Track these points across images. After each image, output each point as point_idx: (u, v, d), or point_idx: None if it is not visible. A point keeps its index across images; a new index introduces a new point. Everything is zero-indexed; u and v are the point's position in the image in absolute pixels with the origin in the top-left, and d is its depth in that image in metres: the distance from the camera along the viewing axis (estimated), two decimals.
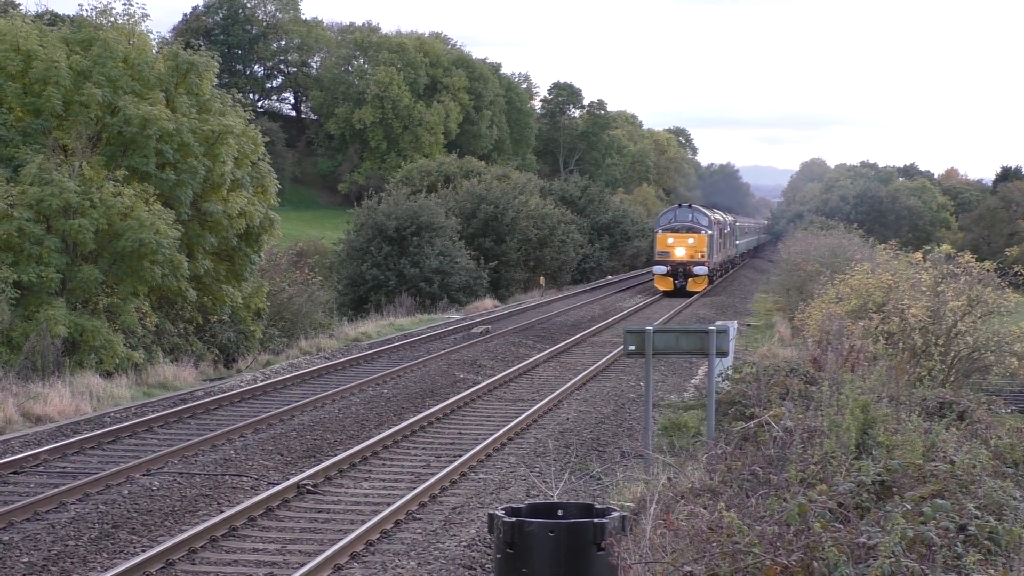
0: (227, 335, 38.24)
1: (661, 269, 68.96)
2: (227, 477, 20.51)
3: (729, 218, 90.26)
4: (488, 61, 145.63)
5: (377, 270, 57.94)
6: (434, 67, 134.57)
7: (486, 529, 14.69)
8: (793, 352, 33.65)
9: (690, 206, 73.31)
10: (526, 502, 13.16)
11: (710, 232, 70.41)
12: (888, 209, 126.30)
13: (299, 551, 16.20)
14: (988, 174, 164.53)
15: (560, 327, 48.61)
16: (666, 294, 67.95)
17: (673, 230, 69.59)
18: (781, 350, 35.97)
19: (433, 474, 20.70)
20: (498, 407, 28.47)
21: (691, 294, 67.50)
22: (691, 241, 69.03)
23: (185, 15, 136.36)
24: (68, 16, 49.84)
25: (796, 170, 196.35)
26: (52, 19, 46.71)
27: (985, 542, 11.46)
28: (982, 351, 28.26)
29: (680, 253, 68.90)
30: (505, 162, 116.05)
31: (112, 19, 36.88)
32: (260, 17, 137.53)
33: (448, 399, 28.70)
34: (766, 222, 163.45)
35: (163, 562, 15.35)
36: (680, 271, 68.53)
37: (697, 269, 68.73)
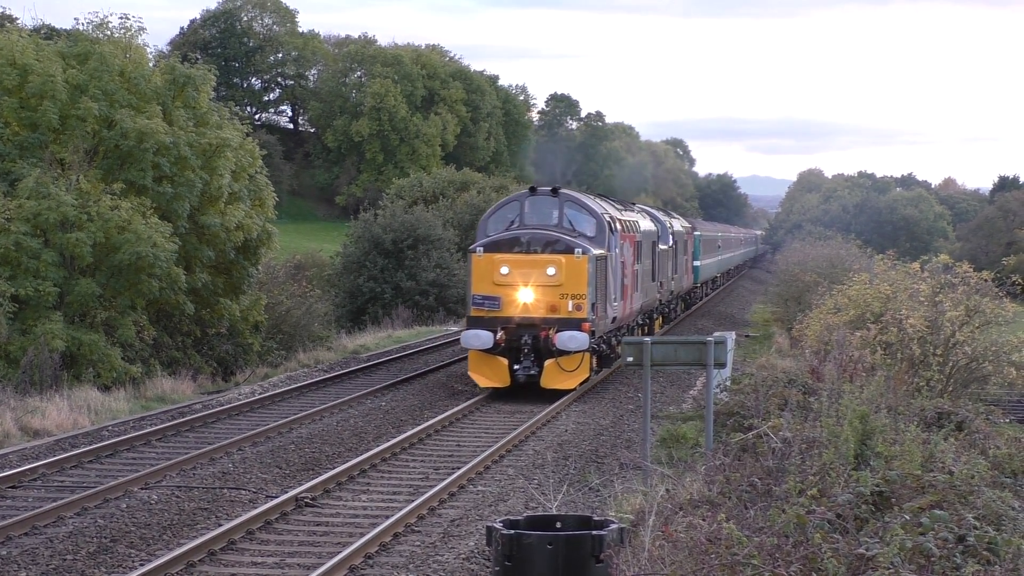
0: (225, 348, 38.23)
1: (480, 337, 30.73)
2: (225, 490, 20.49)
3: (676, 225, 54.73)
4: (486, 73, 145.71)
5: (374, 283, 57.92)
6: (431, 79, 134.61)
7: (485, 542, 14.67)
8: (791, 363, 33.65)
9: (555, 191, 33.42)
10: (524, 514, 13.16)
11: (600, 252, 32.32)
12: (886, 219, 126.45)
13: (298, 564, 16.19)
14: (985, 184, 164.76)
15: None
16: (494, 394, 31.63)
17: (511, 245, 31.49)
18: (779, 361, 35.96)
19: (432, 486, 20.68)
20: (496, 419, 28.44)
21: (554, 394, 31.00)
22: (551, 272, 30.96)
23: (182, 28, 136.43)
24: (64, 30, 49.85)
25: (794, 181, 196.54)
26: (48, 33, 46.74)
27: (984, 552, 11.46)
28: (980, 361, 28.26)
29: (525, 299, 31.04)
30: (503, 174, 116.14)
31: (108, 33, 36.93)
32: (257, 30, 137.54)
33: (446, 411, 28.67)
34: (760, 232, 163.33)
35: None
36: (525, 341, 30.87)
37: (566, 337, 30.54)
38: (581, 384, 31.70)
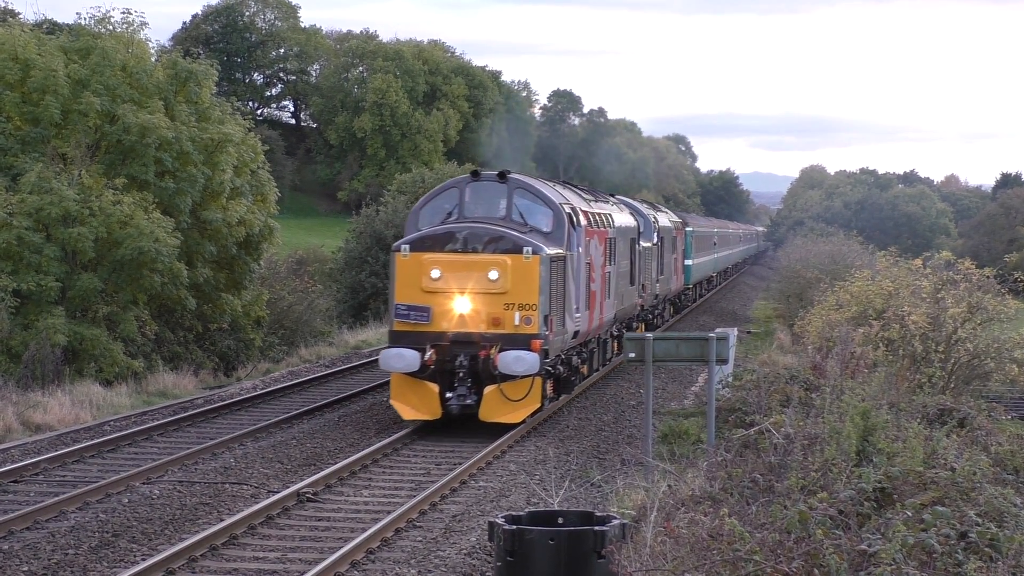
0: (227, 343, 38.24)
1: (403, 358, 25.22)
2: (227, 485, 20.49)
3: (663, 219, 49.13)
4: (488, 69, 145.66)
5: (376, 278, 57.91)
6: (433, 75, 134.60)
7: (487, 537, 14.68)
8: (793, 359, 33.69)
9: (502, 176, 27.46)
10: (526, 510, 13.15)
11: (556, 251, 26.61)
12: (887, 216, 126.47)
13: (299, 559, 16.19)
14: (988, 180, 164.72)
15: None
16: (424, 427, 25.93)
17: (444, 242, 25.75)
18: (781, 357, 36.00)
19: (433, 482, 20.68)
20: None
21: (501, 428, 25.25)
22: (493, 276, 25.28)
23: (184, 23, 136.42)
24: (66, 25, 49.85)
25: (796, 177, 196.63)
26: (50, 28, 46.79)
27: (986, 549, 11.47)
28: (982, 358, 28.27)
29: (461, 310, 25.39)
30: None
31: (110, 28, 36.91)
32: (259, 25, 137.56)
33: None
34: (761, 229, 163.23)
35: (163, 571, 15.35)
36: (460, 362, 25.14)
37: (510, 358, 24.80)
38: (532, 415, 25.94)
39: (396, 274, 25.61)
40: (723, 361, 20.97)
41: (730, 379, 27.68)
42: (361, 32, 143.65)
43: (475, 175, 27.69)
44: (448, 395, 25.04)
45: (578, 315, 28.15)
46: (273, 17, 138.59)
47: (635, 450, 22.32)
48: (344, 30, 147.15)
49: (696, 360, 20.66)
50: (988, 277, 29.51)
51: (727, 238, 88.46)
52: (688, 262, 58.52)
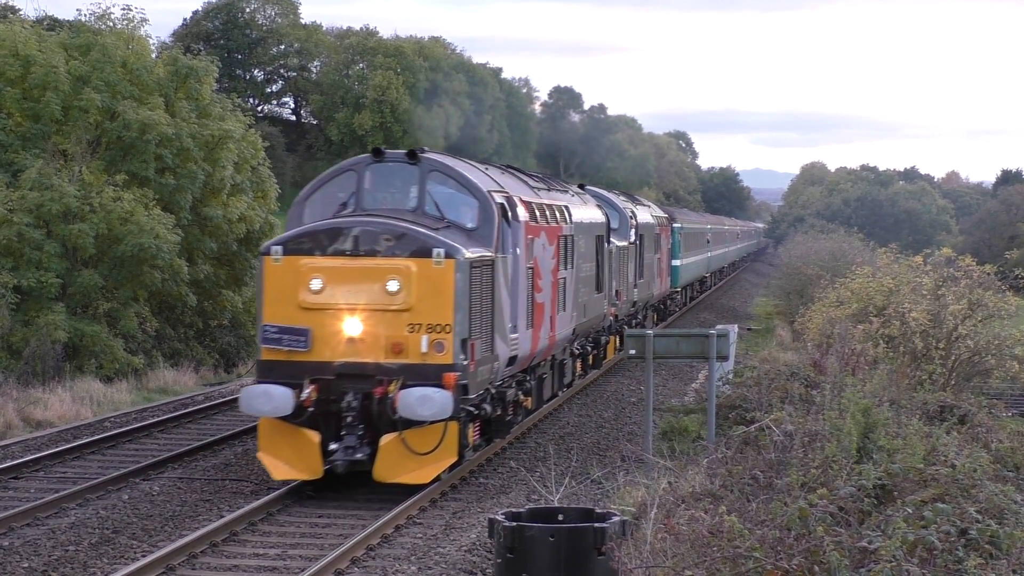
0: (227, 340, 38.26)
1: (272, 397, 18.74)
2: (227, 482, 20.49)
3: (643, 214, 42.83)
4: (489, 66, 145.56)
5: None
6: (434, 71, 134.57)
7: (487, 534, 14.67)
8: (794, 356, 33.69)
9: (412, 155, 21.30)
10: (526, 507, 13.15)
11: (481, 253, 20.26)
12: (888, 213, 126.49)
13: (300, 556, 16.19)
14: (989, 177, 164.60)
15: None
16: (303, 485, 19.57)
17: (329, 241, 19.32)
18: (782, 354, 35.99)
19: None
20: None
21: (407, 490, 19.10)
22: (392, 288, 18.96)
23: (185, 20, 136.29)
24: (67, 21, 49.79)
25: (797, 174, 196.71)
26: (51, 24, 46.70)
27: (986, 546, 11.47)
28: (983, 355, 28.28)
29: (351, 331, 19.00)
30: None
31: (111, 24, 36.92)
32: (260, 22, 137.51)
33: None
34: (761, 225, 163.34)
35: (163, 567, 15.35)
36: (349, 403, 18.89)
37: (413, 398, 18.53)
38: (449, 471, 20.09)
39: (265, 285, 19.46)
40: (723, 358, 21.02)
41: (731, 376, 27.69)
42: (361, 29, 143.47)
43: (377, 154, 21.67)
44: (332, 447, 19.05)
45: (515, 335, 22.08)
46: (273, 14, 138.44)
47: (635, 447, 22.31)
48: (344, 27, 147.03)
49: (696, 357, 20.65)
50: (989, 274, 29.53)
51: (723, 235, 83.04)
52: (676, 262, 52.67)
